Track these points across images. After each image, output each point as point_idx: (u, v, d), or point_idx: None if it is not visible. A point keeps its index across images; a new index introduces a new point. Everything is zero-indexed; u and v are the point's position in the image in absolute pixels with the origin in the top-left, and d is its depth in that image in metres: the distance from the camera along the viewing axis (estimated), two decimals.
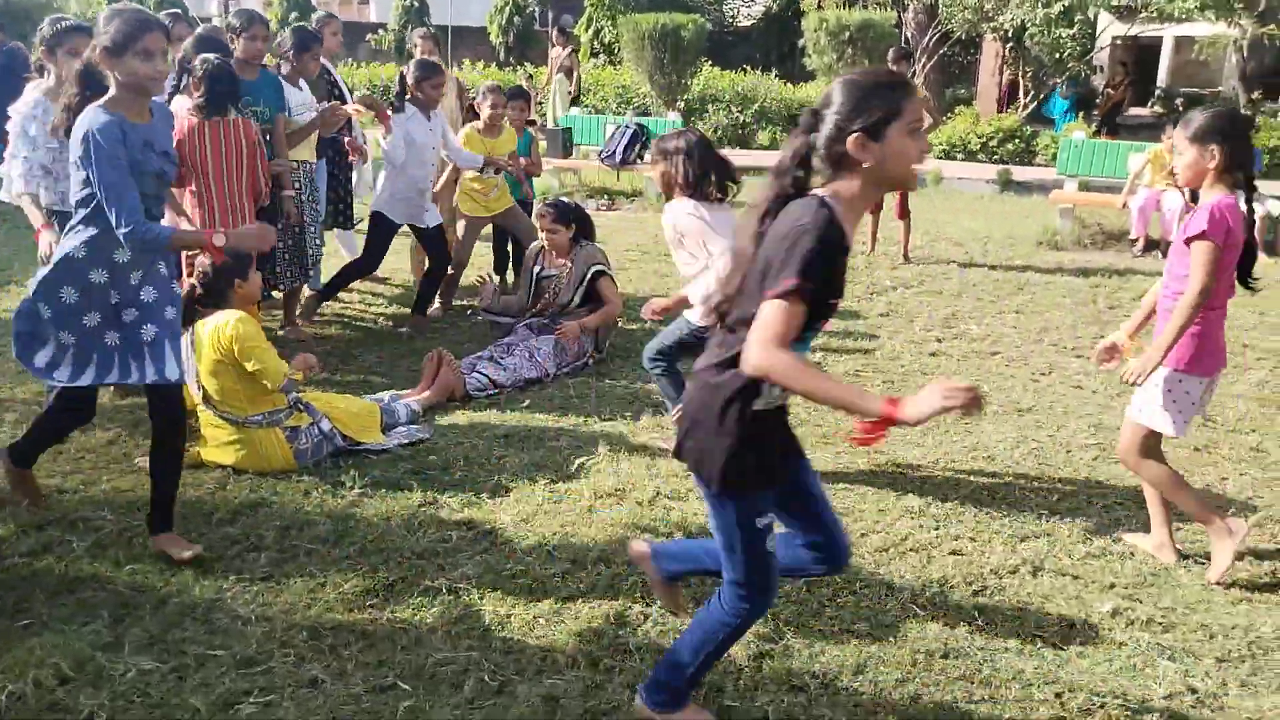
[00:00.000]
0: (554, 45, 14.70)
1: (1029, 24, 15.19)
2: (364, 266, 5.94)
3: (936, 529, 3.53)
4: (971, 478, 3.98)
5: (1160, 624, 2.98)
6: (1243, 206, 3.09)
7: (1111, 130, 16.28)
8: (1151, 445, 3.30)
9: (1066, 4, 15.08)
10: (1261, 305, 6.70)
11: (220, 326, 3.73)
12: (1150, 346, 3.13)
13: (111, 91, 2.96)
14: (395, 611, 2.92)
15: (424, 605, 2.94)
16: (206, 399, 3.83)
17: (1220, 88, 24.26)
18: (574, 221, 5.37)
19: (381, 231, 5.74)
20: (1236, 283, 3.18)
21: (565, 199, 5.83)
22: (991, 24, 15.19)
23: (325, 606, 2.93)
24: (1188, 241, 3.05)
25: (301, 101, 5.52)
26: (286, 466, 3.83)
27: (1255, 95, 17.94)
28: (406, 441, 4.13)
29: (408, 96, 5.59)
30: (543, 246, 5.45)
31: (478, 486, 3.75)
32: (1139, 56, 25.32)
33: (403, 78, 5.67)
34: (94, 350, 3.08)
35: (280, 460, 3.82)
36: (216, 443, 3.87)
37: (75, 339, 3.06)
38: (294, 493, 3.66)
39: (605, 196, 11.34)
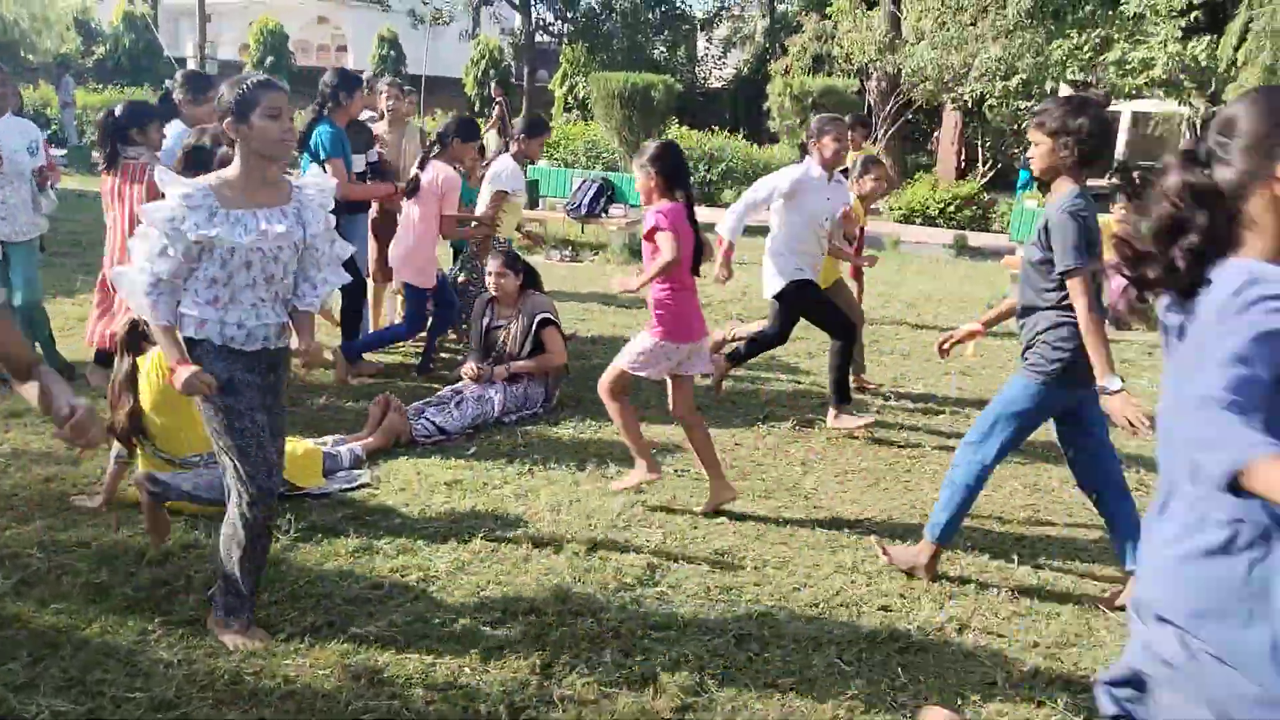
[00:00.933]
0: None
1: (988, 96, 15.68)
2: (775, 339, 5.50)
3: (868, 585, 3.58)
4: (906, 536, 4.03)
5: (1079, 684, 3.03)
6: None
7: None
8: (623, 385, 4.15)
9: (1024, 78, 15.60)
10: None
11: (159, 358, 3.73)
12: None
13: None
14: (319, 658, 2.90)
15: (349, 653, 2.93)
16: (145, 436, 3.81)
17: None
18: (521, 270, 5.44)
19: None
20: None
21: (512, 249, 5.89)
22: (951, 94, 15.66)
23: (249, 650, 2.91)
24: (646, 238, 3.98)
25: None
26: (223, 509, 3.80)
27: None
28: (347, 486, 4.13)
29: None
30: (492, 297, 5.50)
31: (415, 533, 3.75)
32: None
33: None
34: None
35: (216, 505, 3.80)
36: None
37: None
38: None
39: (569, 248, 11.46)
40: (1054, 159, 3.27)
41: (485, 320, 5.51)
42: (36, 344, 5.03)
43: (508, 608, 3.23)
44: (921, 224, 15.27)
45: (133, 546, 3.51)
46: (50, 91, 20.65)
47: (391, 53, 28.54)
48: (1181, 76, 16.04)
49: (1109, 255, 7.07)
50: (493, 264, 5.42)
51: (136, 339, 3.85)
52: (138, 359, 3.82)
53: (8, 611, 3.07)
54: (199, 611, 3.12)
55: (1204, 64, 14.24)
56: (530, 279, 5.54)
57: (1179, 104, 17.67)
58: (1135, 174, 3.09)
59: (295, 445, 4.23)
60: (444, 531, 3.79)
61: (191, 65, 25.17)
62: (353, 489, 4.12)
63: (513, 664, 2.91)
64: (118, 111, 4.99)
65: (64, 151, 18.17)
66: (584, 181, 11.63)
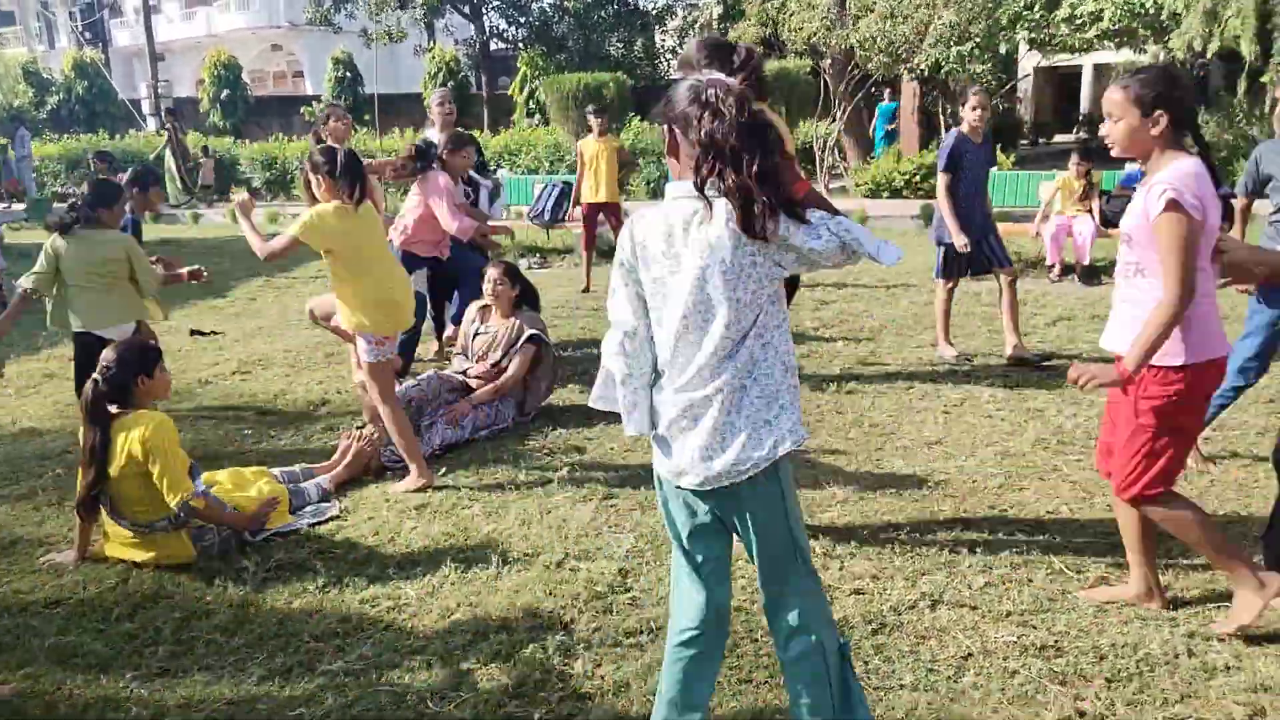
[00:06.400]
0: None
1: (943, 62, 15.64)
2: None
3: (840, 569, 3.57)
4: (878, 515, 4.03)
5: (1053, 648, 3.03)
6: None
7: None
8: None
9: (979, 41, 15.57)
10: None
11: (135, 429, 3.63)
12: None
13: None
14: (292, 698, 2.88)
15: (319, 690, 2.91)
16: (111, 506, 3.74)
17: None
18: (519, 284, 5.47)
19: None
20: None
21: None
22: (907, 65, 15.62)
23: (219, 696, 2.89)
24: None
25: None
26: (190, 561, 3.76)
27: None
28: (315, 520, 4.10)
29: None
30: (485, 304, 5.51)
31: (384, 562, 3.73)
32: (1061, 85, 26.15)
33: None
34: None
35: (184, 556, 3.75)
36: (120, 540, 3.80)
37: None
38: (195, 583, 3.61)
39: (537, 255, 11.43)
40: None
41: (474, 325, 5.51)
42: None
43: (478, 629, 3.21)
44: (889, 197, 15.27)
45: (99, 603, 3.48)
46: (7, 145, 20.49)
47: (347, 74, 28.41)
48: (1135, 24, 16.06)
49: (1068, 210, 7.21)
50: (493, 271, 5.43)
51: (101, 408, 3.70)
52: (112, 426, 3.69)
53: None
54: (169, 663, 3.10)
55: (1151, 10, 14.24)
56: (528, 297, 5.56)
57: (1134, 53, 17.71)
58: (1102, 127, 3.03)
59: (261, 486, 4.20)
60: (414, 558, 3.77)
61: (146, 106, 25.02)
62: (321, 523, 4.10)
63: (485, 685, 2.90)
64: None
65: (24, 205, 18.06)
66: (544, 187, 11.58)
